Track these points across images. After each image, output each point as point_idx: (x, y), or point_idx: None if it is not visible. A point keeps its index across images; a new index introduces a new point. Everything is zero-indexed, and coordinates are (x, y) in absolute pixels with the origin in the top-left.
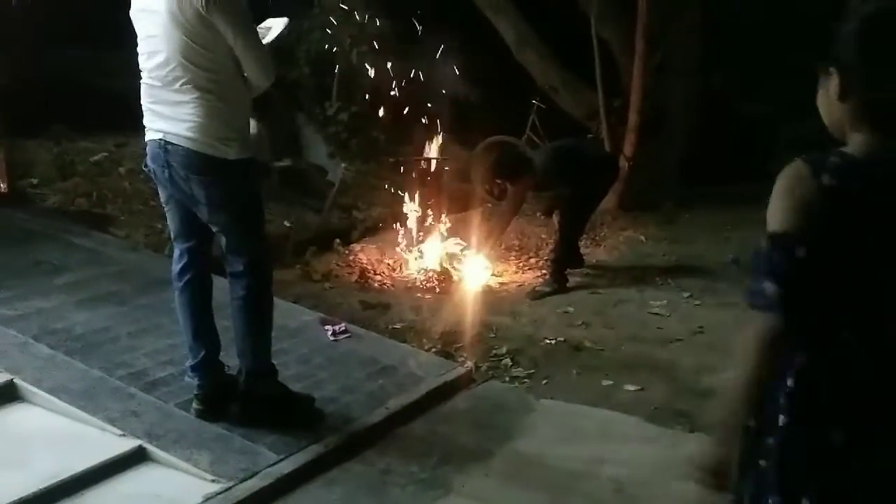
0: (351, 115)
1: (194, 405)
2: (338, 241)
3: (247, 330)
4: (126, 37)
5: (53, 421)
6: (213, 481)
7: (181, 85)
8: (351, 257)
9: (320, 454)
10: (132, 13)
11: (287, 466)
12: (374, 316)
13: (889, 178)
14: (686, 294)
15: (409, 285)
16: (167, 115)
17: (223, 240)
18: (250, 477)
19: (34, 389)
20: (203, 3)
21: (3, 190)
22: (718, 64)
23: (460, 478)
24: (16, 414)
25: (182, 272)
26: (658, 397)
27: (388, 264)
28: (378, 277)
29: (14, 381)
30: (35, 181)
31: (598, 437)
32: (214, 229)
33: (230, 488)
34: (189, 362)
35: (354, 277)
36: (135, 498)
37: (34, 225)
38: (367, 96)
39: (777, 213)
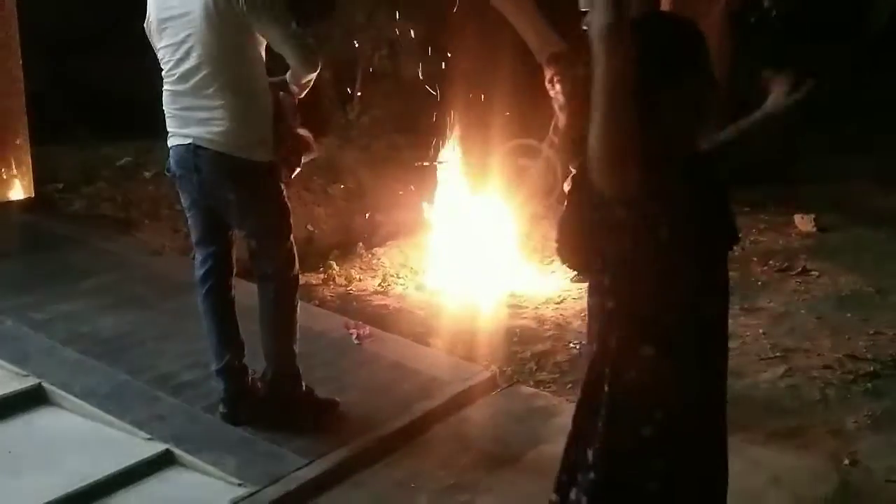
0: (373, 119)
1: (220, 409)
2: (360, 244)
3: (273, 333)
4: (148, 43)
5: (81, 424)
6: (239, 485)
7: (214, 90)
8: (374, 261)
9: (346, 458)
10: (154, 21)
11: (313, 470)
12: (397, 319)
13: None
14: None
15: (432, 289)
16: (197, 120)
17: (252, 243)
18: (276, 481)
19: (62, 393)
20: (243, 2)
21: (29, 195)
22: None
23: (487, 481)
24: (44, 417)
25: (205, 277)
26: None
27: (411, 268)
28: (401, 281)
29: (42, 384)
30: (60, 186)
31: None
32: (243, 233)
33: (256, 492)
34: (214, 366)
35: (378, 281)
36: (161, 501)
37: (60, 230)
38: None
39: None
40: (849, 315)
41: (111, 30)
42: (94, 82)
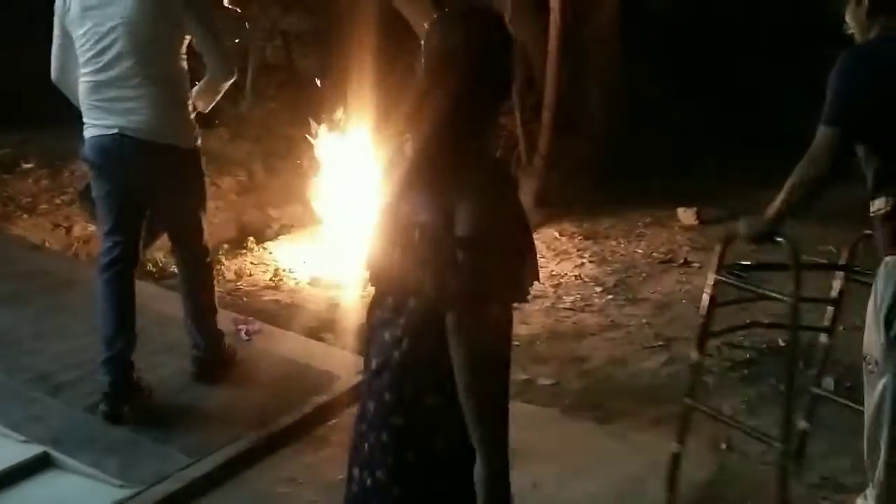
0: (265, 111)
1: (101, 406)
2: (251, 239)
3: (206, 312)
4: (32, 33)
5: None
6: (121, 486)
7: (139, 80)
8: (266, 255)
9: (234, 456)
10: (75, 9)
11: (199, 469)
12: (288, 315)
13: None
14: (599, 289)
15: (325, 283)
16: (121, 110)
17: (177, 229)
18: (161, 481)
19: None
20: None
21: None
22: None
23: None
24: None
25: (112, 263)
26: (572, 391)
27: (304, 262)
28: (293, 276)
29: None
30: None
31: (515, 431)
32: (168, 220)
33: (139, 493)
34: (103, 355)
35: (268, 276)
36: None
37: None
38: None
39: None
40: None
41: None
42: None
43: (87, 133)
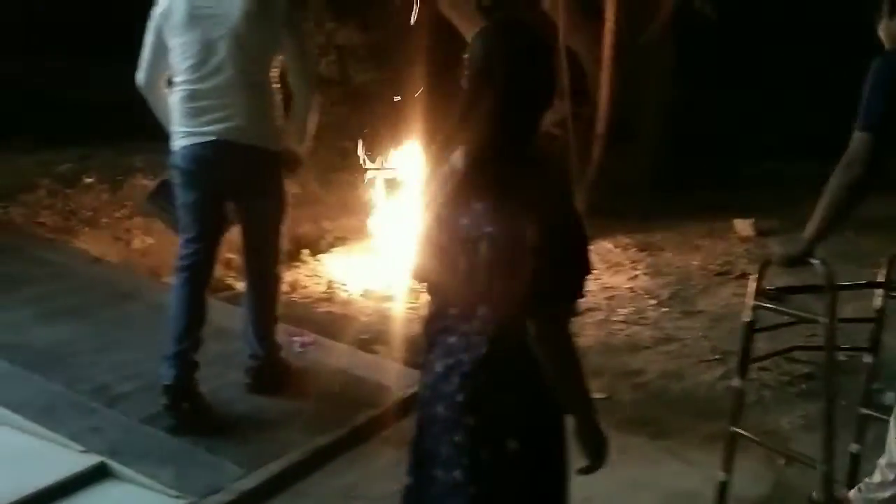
0: (320, 126)
1: (163, 400)
2: (306, 251)
3: (271, 319)
4: (99, 47)
5: (12, 437)
6: (176, 497)
7: (239, 88)
8: (319, 267)
9: (286, 468)
10: (181, 16)
11: (252, 481)
12: (342, 327)
13: None
14: (653, 301)
15: (378, 295)
16: (220, 118)
17: (260, 232)
18: (215, 492)
19: None
20: (286, 14)
21: None
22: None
23: None
24: None
25: (194, 265)
26: (625, 405)
27: (357, 274)
28: (346, 288)
29: None
30: None
31: None
32: (249, 222)
33: None
34: (170, 350)
35: (322, 288)
36: None
37: None
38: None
39: None
40: (785, 318)
41: (49, 31)
42: (32, 86)
43: (182, 142)
